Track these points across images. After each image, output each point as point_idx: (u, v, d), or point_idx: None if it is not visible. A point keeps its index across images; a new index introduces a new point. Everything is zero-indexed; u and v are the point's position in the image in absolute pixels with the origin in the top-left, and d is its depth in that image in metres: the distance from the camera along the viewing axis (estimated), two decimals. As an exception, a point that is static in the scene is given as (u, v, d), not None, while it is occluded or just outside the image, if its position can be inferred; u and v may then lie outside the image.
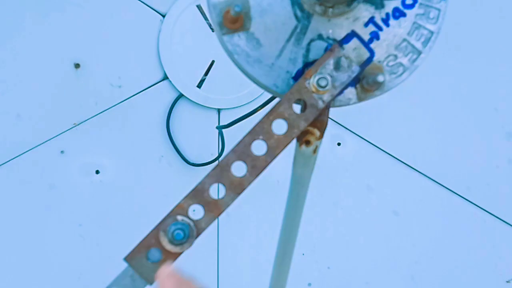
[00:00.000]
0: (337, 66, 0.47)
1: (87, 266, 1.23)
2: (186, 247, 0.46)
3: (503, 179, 1.32)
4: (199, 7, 1.31)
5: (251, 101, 1.29)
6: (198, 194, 0.47)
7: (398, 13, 0.50)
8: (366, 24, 0.50)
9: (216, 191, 0.47)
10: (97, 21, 1.29)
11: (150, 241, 0.47)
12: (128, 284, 0.47)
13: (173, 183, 1.27)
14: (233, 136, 1.19)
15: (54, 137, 1.26)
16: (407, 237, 1.30)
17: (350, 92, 0.50)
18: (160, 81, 1.30)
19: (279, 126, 0.48)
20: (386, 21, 0.50)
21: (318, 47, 0.50)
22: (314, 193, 1.27)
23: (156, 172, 1.28)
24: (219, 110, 1.31)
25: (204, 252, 1.25)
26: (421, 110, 1.34)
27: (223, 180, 0.47)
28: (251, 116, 0.91)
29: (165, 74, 1.30)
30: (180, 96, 1.30)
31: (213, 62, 1.31)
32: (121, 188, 1.27)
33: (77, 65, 1.28)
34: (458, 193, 1.31)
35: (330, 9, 0.49)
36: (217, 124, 1.30)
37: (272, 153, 0.47)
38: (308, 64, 0.50)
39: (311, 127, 0.49)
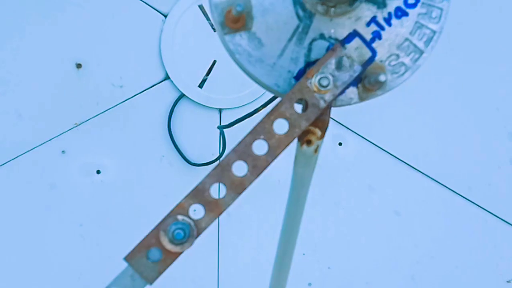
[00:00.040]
0: (339, 66, 0.47)
1: (87, 266, 1.23)
2: (187, 246, 0.46)
3: (504, 179, 1.32)
4: (201, 7, 1.31)
5: (252, 101, 1.29)
6: (198, 194, 0.47)
7: (400, 13, 0.50)
8: (368, 24, 0.50)
9: (217, 190, 0.47)
10: (99, 21, 1.29)
11: (151, 241, 0.46)
12: (128, 284, 0.47)
13: (174, 183, 1.27)
14: (234, 136, 1.19)
15: (55, 137, 1.26)
16: (408, 237, 1.30)
17: (352, 91, 0.50)
18: (162, 81, 1.30)
19: (280, 126, 0.47)
20: (388, 20, 0.50)
21: (320, 46, 0.50)
22: (315, 193, 1.27)
23: (157, 172, 1.28)
24: (220, 110, 1.31)
25: (205, 252, 1.25)
26: (423, 110, 1.34)
27: (224, 180, 0.47)
28: (253, 116, 0.91)
29: (167, 74, 1.30)
30: (182, 96, 1.30)
31: (214, 62, 1.31)
32: (122, 188, 1.27)
33: (78, 65, 1.28)
34: (460, 193, 1.31)
35: (332, 9, 0.49)
36: (218, 124, 1.30)
37: (273, 153, 0.47)
38: (310, 64, 0.50)
39: (312, 127, 0.49)
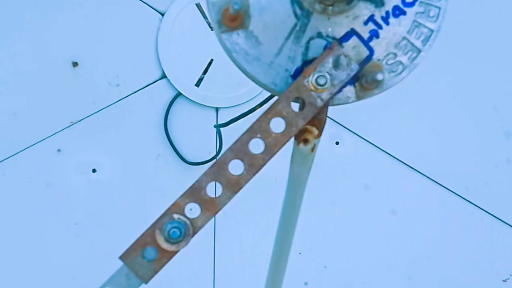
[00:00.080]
0: (336, 64, 0.47)
1: (83, 265, 1.23)
2: (182, 245, 0.46)
3: (502, 179, 1.32)
4: (198, 5, 1.31)
5: (249, 100, 1.29)
6: (194, 193, 0.46)
7: (398, 11, 0.50)
8: (365, 22, 0.50)
9: (213, 189, 0.47)
10: (95, 20, 1.29)
11: (146, 240, 0.46)
12: (123, 283, 0.47)
13: (170, 182, 1.26)
14: (231, 135, 1.18)
15: (51, 135, 1.25)
16: (405, 237, 1.30)
17: (349, 90, 0.50)
18: (158, 79, 1.30)
19: (277, 125, 0.47)
20: (386, 19, 0.50)
21: (318, 45, 0.49)
22: (312, 192, 1.26)
23: (153, 171, 1.28)
24: (217, 109, 1.30)
25: (201, 251, 1.25)
26: (420, 109, 1.34)
27: (220, 179, 0.46)
28: (249, 115, 0.91)
29: (164, 73, 1.29)
30: (178, 94, 1.29)
31: (211, 60, 1.31)
32: (117, 187, 1.26)
33: (75, 64, 1.27)
34: (457, 193, 1.31)
35: (330, 7, 0.49)
36: (215, 123, 1.29)
37: (269, 152, 0.47)
38: (307, 62, 0.49)
39: (309, 126, 0.49)
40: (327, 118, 0.49)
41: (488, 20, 1.36)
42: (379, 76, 0.48)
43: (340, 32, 0.49)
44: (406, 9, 0.50)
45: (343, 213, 1.30)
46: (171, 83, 1.29)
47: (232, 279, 1.27)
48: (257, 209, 1.26)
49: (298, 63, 0.50)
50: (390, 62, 0.50)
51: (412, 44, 0.50)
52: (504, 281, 1.29)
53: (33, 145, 1.25)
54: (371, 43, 0.50)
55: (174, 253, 0.46)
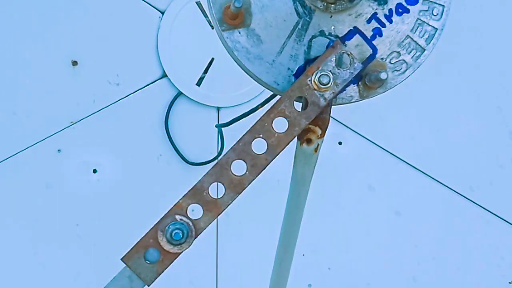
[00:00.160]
0: (339, 63, 0.47)
1: (84, 266, 1.22)
2: (185, 247, 0.46)
3: (506, 179, 1.32)
4: (198, 4, 1.31)
5: (251, 99, 1.28)
6: (197, 193, 0.46)
7: (401, 10, 0.50)
8: (368, 21, 0.49)
9: (216, 190, 0.47)
10: (95, 18, 1.29)
11: (148, 241, 0.46)
12: (126, 285, 0.46)
13: (172, 182, 1.26)
14: (232, 135, 1.17)
15: (51, 135, 1.25)
16: (409, 238, 1.30)
17: (352, 89, 0.50)
18: (159, 79, 1.30)
19: (280, 124, 0.47)
20: (389, 17, 0.50)
21: (320, 43, 0.49)
22: (315, 193, 1.26)
23: (154, 171, 1.27)
24: (218, 108, 1.30)
25: (203, 252, 1.25)
26: (424, 109, 1.33)
27: (223, 179, 0.46)
28: (251, 115, 0.90)
29: (164, 72, 1.29)
30: (179, 94, 1.29)
31: (212, 59, 1.30)
32: (118, 187, 1.26)
33: (74, 63, 1.27)
34: (461, 193, 1.31)
35: (332, 5, 0.49)
36: (216, 123, 1.29)
37: (272, 152, 0.46)
38: (309, 61, 0.49)
39: (312, 125, 0.48)
40: (330, 117, 0.49)
41: (493, 20, 1.36)
42: (383, 75, 0.47)
43: (342, 30, 0.49)
44: (409, 7, 0.50)
45: (347, 214, 1.29)
46: (171, 82, 1.28)
47: (235, 281, 1.26)
48: (260, 211, 1.25)
49: (301, 61, 0.49)
50: (393, 61, 0.50)
51: (415, 42, 0.50)
52: (510, 283, 1.29)
53: (33, 145, 1.24)
54: (374, 42, 0.49)
55: (177, 254, 0.46)
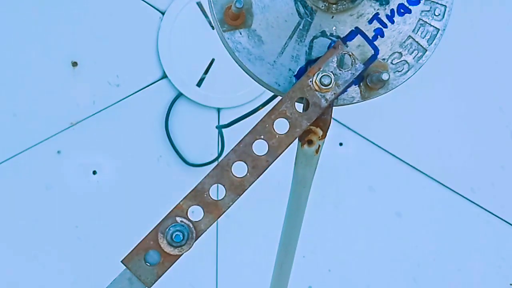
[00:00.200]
0: (341, 64, 0.46)
1: (84, 269, 1.22)
2: (185, 249, 0.45)
3: (508, 180, 1.31)
4: (199, 4, 1.31)
5: (251, 100, 1.28)
6: (197, 195, 0.46)
7: (403, 10, 0.50)
8: (370, 21, 0.49)
9: (216, 192, 0.46)
10: (95, 19, 1.28)
11: (149, 243, 0.46)
12: (126, 287, 0.46)
13: (172, 184, 1.26)
14: (233, 136, 1.17)
15: (51, 137, 1.25)
16: (410, 239, 1.29)
17: (354, 90, 0.49)
18: (159, 79, 1.29)
19: (281, 125, 0.47)
20: (390, 17, 0.49)
21: (321, 44, 0.49)
22: (315, 194, 1.26)
23: (154, 173, 1.27)
24: (219, 109, 1.30)
25: (203, 254, 1.24)
26: (425, 109, 1.33)
27: (223, 181, 0.46)
28: (252, 116, 0.90)
29: (164, 73, 1.29)
30: (179, 95, 1.29)
31: (213, 60, 1.30)
32: (118, 189, 1.26)
33: (74, 63, 1.26)
34: (462, 194, 1.30)
35: (334, 6, 0.49)
36: (216, 124, 1.29)
37: (273, 153, 0.46)
38: (311, 62, 0.49)
39: (313, 126, 0.48)
40: (332, 118, 0.48)
41: (494, 19, 1.36)
42: (385, 76, 0.47)
43: (344, 31, 0.49)
44: (411, 7, 0.50)
45: (347, 216, 1.29)
46: (172, 83, 1.28)
47: (235, 283, 1.26)
48: (260, 212, 1.25)
49: (302, 62, 0.49)
50: (395, 61, 0.50)
51: (417, 43, 0.50)
52: (511, 284, 1.29)
53: (32, 146, 1.24)
54: (376, 42, 0.49)
55: (177, 257, 0.45)
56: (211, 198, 0.46)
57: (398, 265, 1.29)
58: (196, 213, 0.46)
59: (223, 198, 0.46)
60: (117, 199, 1.26)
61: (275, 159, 0.46)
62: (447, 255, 1.30)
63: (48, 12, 1.27)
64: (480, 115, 1.33)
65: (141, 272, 0.46)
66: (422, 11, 0.50)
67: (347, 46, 0.48)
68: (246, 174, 0.46)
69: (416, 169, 1.30)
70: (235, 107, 1.28)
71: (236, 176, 0.46)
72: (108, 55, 1.28)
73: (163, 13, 1.30)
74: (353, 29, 0.49)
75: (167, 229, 0.45)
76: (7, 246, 1.23)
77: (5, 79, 1.26)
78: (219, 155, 1.26)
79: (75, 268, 1.22)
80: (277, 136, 0.46)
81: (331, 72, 0.46)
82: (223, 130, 1.19)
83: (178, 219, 0.46)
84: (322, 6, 0.49)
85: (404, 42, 0.50)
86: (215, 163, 1.27)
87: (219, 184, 0.46)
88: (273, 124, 0.46)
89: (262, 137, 0.46)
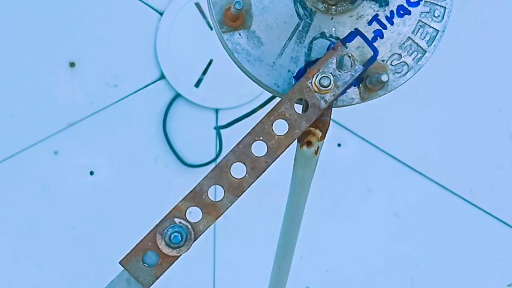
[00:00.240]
0: (340, 65, 0.46)
1: (81, 270, 1.22)
2: (184, 250, 0.45)
3: (506, 181, 1.32)
4: (197, 5, 1.30)
5: (250, 101, 1.28)
6: (196, 196, 0.46)
7: (402, 11, 0.50)
8: (370, 22, 0.49)
9: (215, 193, 0.46)
10: (93, 19, 1.28)
11: (147, 244, 0.45)
12: (124, 288, 0.46)
13: (169, 185, 1.26)
14: (231, 137, 1.17)
15: (48, 137, 1.24)
16: (408, 240, 1.29)
17: (353, 91, 0.49)
18: (157, 80, 1.29)
19: (280, 127, 0.47)
20: (390, 19, 0.49)
21: (321, 45, 0.49)
22: (313, 195, 1.26)
23: (152, 174, 1.27)
24: (217, 110, 1.30)
25: (201, 255, 1.24)
26: (423, 111, 1.33)
27: (222, 182, 0.46)
28: (250, 116, 0.90)
29: (162, 73, 1.29)
30: (177, 95, 1.28)
31: (211, 61, 1.30)
32: (116, 189, 1.25)
33: (72, 64, 1.26)
34: (461, 195, 1.31)
35: (333, 7, 0.49)
36: (214, 125, 1.29)
37: (272, 154, 0.46)
38: (310, 63, 0.49)
39: (312, 128, 0.48)
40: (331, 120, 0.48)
41: (493, 21, 1.36)
42: (384, 77, 0.47)
43: (343, 32, 0.49)
44: (410, 8, 0.50)
45: (346, 217, 1.29)
46: (170, 84, 1.28)
47: (233, 285, 1.26)
48: (258, 213, 1.25)
49: (301, 63, 0.49)
50: (394, 63, 0.50)
51: (417, 44, 0.50)
52: (509, 285, 1.29)
53: (29, 147, 1.24)
54: (375, 44, 0.49)
55: (176, 258, 0.45)
56: (210, 199, 0.46)
57: (396, 266, 1.29)
58: (194, 214, 0.46)
59: (221, 199, 0.46)
60: (114, 199, 1.25)
61: (274, 160, 0.46)
62: (445, 256, 1.30)
63: (46, 13, 1.27)
64: (479, 116, 1.33)
65: (139, 273, 0.46)
66: (421, 12, 0.50)
67: (346, 48, 0.48)
68: (245, 175, 0.46)
69: (415, 170, 1.31)
70: (233, 108, 1.28)
71: (235, 177, 0.46)
72: (106, 56, 1.27)
73: (161, 14, 1.29)
74: (353, 30, 0.49)
75: (165, 230, 0.45)
76: (4, 246, 1.22)
77: (2, 79, 1.25)
78: (217, 156, 1.26)
79: (72, 269, 1.22)
80: (276, 137, 0.46)
81: (331, 73, 0.46)
82: (221, 131, 1.19)
83: (177, 220, 0.45)
84: (322, 8, 0.49)
85: (404, 43, 0.50)
86: (213, 164, 1.27)
87: (218, 185, 0.46)
88: (272, 125, 0.46)
89: (261, 138, 0.46)
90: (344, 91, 0.48)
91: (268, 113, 0.46)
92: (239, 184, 0.46)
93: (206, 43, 1.29)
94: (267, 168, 0.46)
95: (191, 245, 0.45)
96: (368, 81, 0.49)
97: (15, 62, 1.26)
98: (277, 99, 0.48)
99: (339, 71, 0.46)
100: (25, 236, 1.22)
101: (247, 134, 0.46)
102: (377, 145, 1.30)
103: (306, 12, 0.49)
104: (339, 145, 1.31)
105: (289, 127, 0.46)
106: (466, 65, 1.35)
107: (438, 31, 0.50)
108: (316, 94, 0.46)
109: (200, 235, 0.46)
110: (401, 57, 0.50)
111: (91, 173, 1.25)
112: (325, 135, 0.49)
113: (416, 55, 0.50)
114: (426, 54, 0.50)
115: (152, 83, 1.29)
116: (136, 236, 0.47)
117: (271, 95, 0.63)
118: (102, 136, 1.26)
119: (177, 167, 1.27)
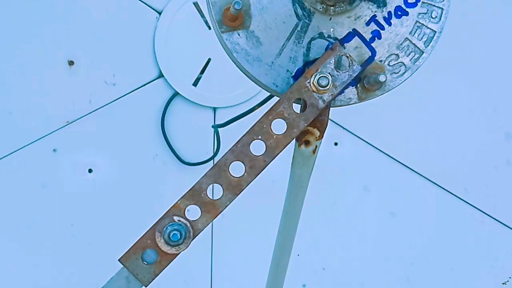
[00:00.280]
0: (338, 65, 0.47)
1: (79, 267, 1.22)
2: (183, 248, 0.46)
3: (501, 181, 1.32)
4: (195, 4, 1.30)
5: (247, 100, 1.28)
6: (195, 194, 0.46)
7: (400, 12, 0.50)
8: (367, 23, 0.49)
9: (214, 191, 0.47)
10: (92, 18, 1.28)
11: (146, 242, 0.46)
12: (123, 286, 0.46)
13: (167, 183, 1.26)
14: (229, 136, 1.17)
15: (47, 135, 1.24)
16: (404, 238, 1.30)
17: (351, 91, 0.50)
18: (155, 79, 1.29)
19: (279, 126, 0.47)
20: (388, 20, 0.50)
21: (319, 45, 0.49)
22: (309, 193, 1.26)
23: (150, 171, 1.27)
24: (215, 109, 1.30)
25: (198, 253, 1.24)
26: (419, 110, 1.34)
27: (221, 180, 0.46)
28: (248, 115, 0.90)
29: (161, 72, 1.29)
30: (176, 94, 1.29)
31: (209, 60, 1.30)
32: (114, 187, 1.25)
33: (70, 62, 1.26)
34: (456, 194, 1.31)
35: (331, 7, 0.49)
36: (212, 123, 1.29)
37: (271, 153, 0.47)
38: (308, 63, 0.49)
39: (311, 127, 0.48)
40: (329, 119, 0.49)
41: (489, 21, 1.36)
42: (382, 78, 0.48)
43: (342, 33, 0.49)
44: (408, 9, 0.50)
45: (342, 215, 1.30)
46: (168, 83, 1.28)
47: (230, 282, 1.26)
48: (256, 212, 1.25)
49: (300, 63, 0.49)
50: (392, 63, 0.50)
51: (414, 45, 0.50)
52: (503, 283, 1.29)
53: (28, 144, 1.24)
54: (373, 44, 0.49)
55: (175, 255, 0.46)
56: (209, 197, 0.46)
57: (392, 264, 1.30)
58: (193, 212, 0.46)
59: (220, 198, 0.46)
60: (113, 197, 1.25)
61: (273, 159, 0.47)
62: (440, 254, 1.31)
63: (45, 11, 1.27)
64: (474, 116, 1.33)
65: (138, 270, 0.46)
66: (419, 13, 0.50)
67: (344, 48, 0.48)
68: (243, 174, 0.46)
69: (411, 169, 1.31)
70: (231, 107, 1.28)
71: (233, 176, 0.46)
72: (104, 54, 1.27)
73: (160, 13, 1.30)
74: (351, 31, 0.49)
75: (164, 228, 0.46)
76: (2, 243, 1.22)
77: (1, 77, 1.25)
78: (215, 154, 1.26)
79: (70, 266, 1.22)
80: (274, 137, 0.46)
81: (329, 73, 0.46)
82: (219, 129, 1.19)
83: (176, 218, 0.46)
84: (320, 8, 0.49)
85: (401, 44, 0.50)
86: (211, 162, 1.27)
87: (216, 184, 0.46)
88: (270, 124, 0.46)
89: (259, 137, 0.46)
90: (342, 91, 0.49)
91: (266, 112, 0.47)
92: (237, 183, 0.46)
93: (204, 42, 1.29)
94: (266, 167, 0.47)
95: (190, 243, 0.46)
96: (366, 81, 0.49)
97: (14, 60, 1.26)
98: (275, 98, 0.48)
99: (337, 71, 0.47)
100: (23, 233, 1.22)
101: (245, 133, 0.46)
102: (373, 144, 1.31)
103: (304, 13, 0.49)
104: (335, 144, 1.31)
105: (288, 127, 0.47)
106: (461, 65, 1.35)
107: (435, 32, 0.50)
108: (314, 94, 0.47)
109: (199, 233, 0.46)
110: (399, 57, 0.50)
111: (90, 170, 1.25)
112: (323, 135, 0.49)
113: (414, 56, 0.50)
114: (424, 54, 0.50)
115: (150, 81, 1.29)
116: (134, 233, 0.48)
117: (268, 94, 0.63)
118: (101, 134, 1.26)
119: (175, 165, 1.27)
